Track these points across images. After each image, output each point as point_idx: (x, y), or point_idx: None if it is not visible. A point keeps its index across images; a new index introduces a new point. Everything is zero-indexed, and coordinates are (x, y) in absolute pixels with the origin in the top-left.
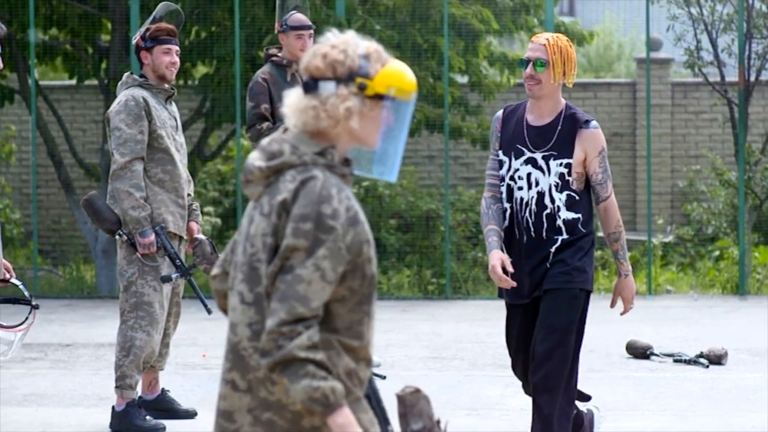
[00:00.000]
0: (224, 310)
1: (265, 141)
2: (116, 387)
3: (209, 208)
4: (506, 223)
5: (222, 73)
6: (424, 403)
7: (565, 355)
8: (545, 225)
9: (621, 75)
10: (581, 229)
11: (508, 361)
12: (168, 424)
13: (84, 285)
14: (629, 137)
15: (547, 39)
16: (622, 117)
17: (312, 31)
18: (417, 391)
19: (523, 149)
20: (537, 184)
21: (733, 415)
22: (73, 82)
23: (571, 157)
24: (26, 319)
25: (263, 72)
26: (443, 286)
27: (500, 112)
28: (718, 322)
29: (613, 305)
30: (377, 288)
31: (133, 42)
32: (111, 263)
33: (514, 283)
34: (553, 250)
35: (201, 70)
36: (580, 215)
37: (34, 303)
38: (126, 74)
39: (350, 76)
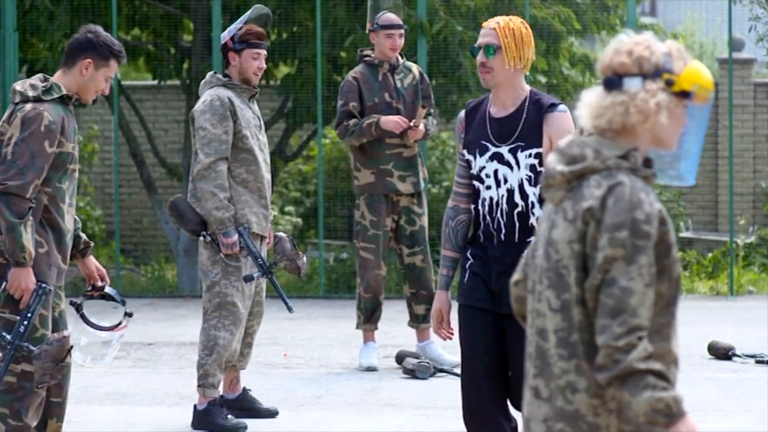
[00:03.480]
0: (521, 316)
1: (563, 143)
2: (198, 386)
3: (290, 208)
4: (472, 229)
5: (304, 73)
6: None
7: None
8: (517, 225)
9: None
10: None
11: None
12: (249, 423)
13: (165, 284)
14: (711, 138)
15: (498, 22)
16: None
17: (402, 31)
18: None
19: (488, 144)
20: (506, 181)
21: None
22: (155, 82)
23: (540, 146)
24: (120, 323)
25: (355, 71)
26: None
27: (463, 111)
28: None
29: None
30: None
31: (222, 41)
32: (192, 262)
33: (451, 336)
34: (524, 253)
35: (283, 70)
36: None
37: (128, 311)
38: (210, 73)
39: (657, 72)
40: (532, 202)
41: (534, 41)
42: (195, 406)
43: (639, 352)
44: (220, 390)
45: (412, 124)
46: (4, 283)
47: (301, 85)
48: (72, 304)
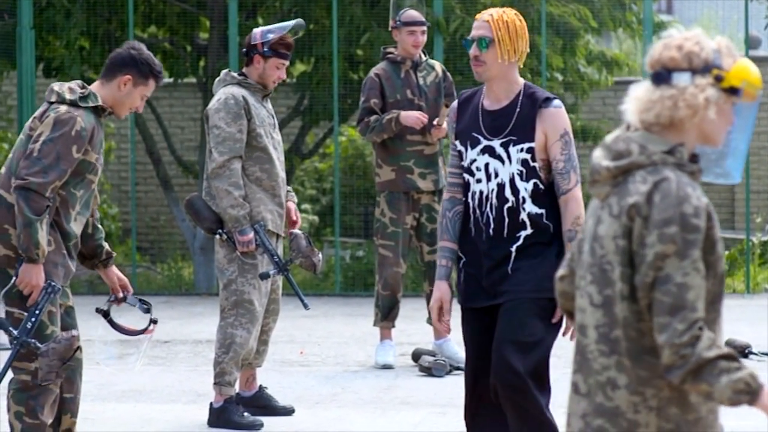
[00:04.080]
0: (567, 312)
1: (609, 138)
2: (215, 384)
3: (306, 206)
4: (462, 223)
5: (320, 71)
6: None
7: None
8: (507, 221)
9: None
10: (546, 223)
11: None
12: (265, 420)
13: (182, 282)
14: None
15: (491, 14)
16: None
17: (425, 28)
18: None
19: (479, 137)
20: (496, 175)
21: None
22: (172, 80)
23: (533, 140)
24: (146, 327)
25: (377, 68)
26: None
27: (455, 101)
28: None
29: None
30: None
31: (253, 41)
32: (209, 260)
33: (450, 329)
34: (514, 249)
35: (299, 68)
36: (544, 210)
37: (153, 317)
38: (224, 71)
39: (706, 68)
40: (523, 197)
41: (550, 38)
42: (211, 403)
43: (704, 341)
44: (236, 388)
45: (435, 122)
46: (14, 278)
47: (318, 82)
48: (98, 311)
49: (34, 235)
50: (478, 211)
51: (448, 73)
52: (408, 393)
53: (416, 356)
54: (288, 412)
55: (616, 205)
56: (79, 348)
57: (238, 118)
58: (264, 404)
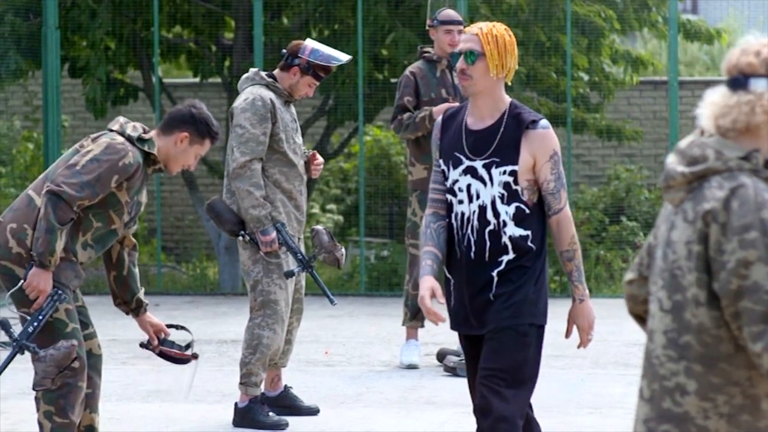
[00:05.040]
0: (635, 316)
1: (683, 144)
2: (241, 384)
3: (332, 206)
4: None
5: (345, 71)
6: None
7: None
8: (488, 244)
9: None
10: (531, 246)
11: (631, 359)
12: (290, 420)
13: (207, 282)
14: None
15: (480, 28)
16: None
17: (462, 27)
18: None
19: (461, 157)
20: (478, 196)
21: None
22: (197, 79)
23: (516, 163)
24: (188, 359)
25: (413, 66)
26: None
27: (440, 117)
28: None
29: (567, 335)
30: None
31: (302, 53)
32: (234, 260)
33: (444, 318)
34: (495, 274)
35: None
36: (529, 232)
37: (194, 352)
38: (253, 70)
39: None
40: (504, 221)
41: (575, 38)
42: (236, 403)
43: None
44: (262, 387)
45: None
46: (21, 281)
47: (342, 82)
48: (142, 346)
49: (53, 242)
50: (460, 233)
51: None
52: (433, 393)
53: (441, 356)
54: (313, 411)
55: (691, 211)
56: (76, 358)
57: (263, 121)
58: (289, 404)
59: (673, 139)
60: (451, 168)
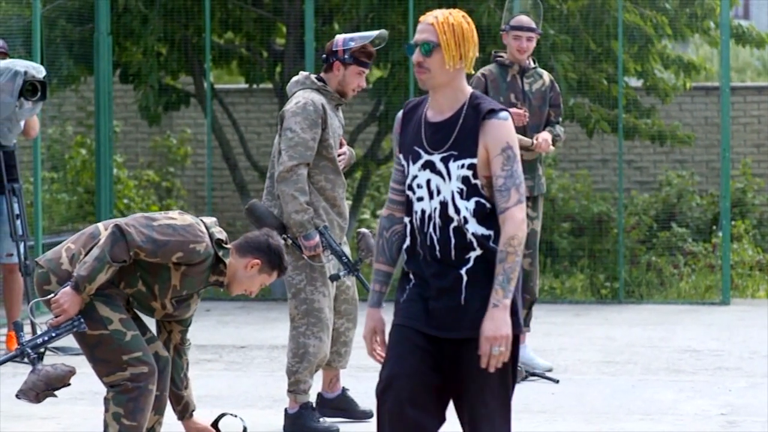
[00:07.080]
0: None
1: None
2: (289, 391)
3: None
4: (407, 242)
5: (396, 77)
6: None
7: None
8: (453, 241)
9: None
10: (494, 246)
11: (682, 365)
12: (342, 426)
13: None
14: None
15: (436, 17)
16: None
17: (532, 34)
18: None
19: (420, 151)
20: (438, 192)
21: None
22: (248, 85)
23: (475, 156)
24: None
25: (486, 69)
26: (616, 290)
27: (401, 111)
28: None
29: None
30: (550, 292)
31: (335, 47)
32: None
33: (381, 358)
34: (464, 272)
35: (376, 73)
36: (492, 232)
37: (245, 424)
38: (303, 73)
39: None
40: (465, 217)
41: (626, 45)
42: (286, 409)
43: None
44: (319, 388)
45: (535, 138)
46: (53, 294)
47: (394, 88)
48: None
49: (97, 271)
50: (422, 233)
51: (556, 84)
52: None
53: None
54: (367, 416)
55: None
56: (68, 385)
57: (314, 126)
58: (345, 407)
59: (724, 145)
60: (410, 163)
